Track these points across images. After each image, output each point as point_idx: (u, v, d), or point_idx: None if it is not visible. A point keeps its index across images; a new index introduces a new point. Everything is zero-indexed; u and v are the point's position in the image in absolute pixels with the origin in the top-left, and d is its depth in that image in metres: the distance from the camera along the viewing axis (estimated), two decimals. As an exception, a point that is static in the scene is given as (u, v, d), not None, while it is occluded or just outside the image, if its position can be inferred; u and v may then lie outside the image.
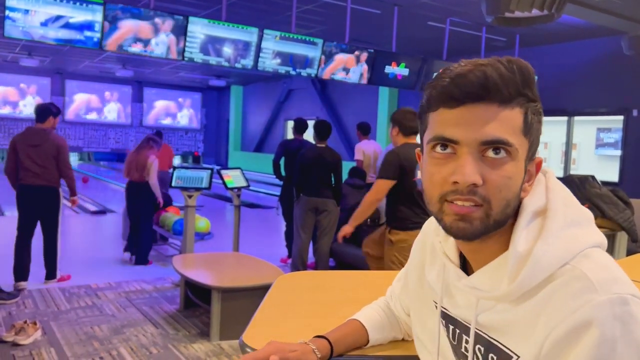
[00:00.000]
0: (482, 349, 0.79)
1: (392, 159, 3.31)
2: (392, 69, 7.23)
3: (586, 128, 8.64)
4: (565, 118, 8.68)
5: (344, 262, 5.05)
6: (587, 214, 0.78)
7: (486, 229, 0.73)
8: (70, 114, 18.09)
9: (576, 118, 8.64)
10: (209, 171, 4.97)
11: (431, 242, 0.93)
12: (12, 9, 4.86)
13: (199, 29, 5.72)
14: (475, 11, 6.43)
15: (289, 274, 1.72)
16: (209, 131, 20.88)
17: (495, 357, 0.76)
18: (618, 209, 3.90)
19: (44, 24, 4.98)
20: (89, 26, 5.15)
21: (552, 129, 8.79)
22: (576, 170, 8.79)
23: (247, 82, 18.18)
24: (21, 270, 4.41)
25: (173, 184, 4.82)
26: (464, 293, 0.82)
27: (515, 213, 0.76)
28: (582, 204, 0.80)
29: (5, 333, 3.33)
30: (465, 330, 0.83)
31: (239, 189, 5.33)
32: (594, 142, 8.57)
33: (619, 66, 7.68)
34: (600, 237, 0.76)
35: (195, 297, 3.88)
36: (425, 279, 0.94)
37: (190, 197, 4.82)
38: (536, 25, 5.16)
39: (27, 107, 17.17)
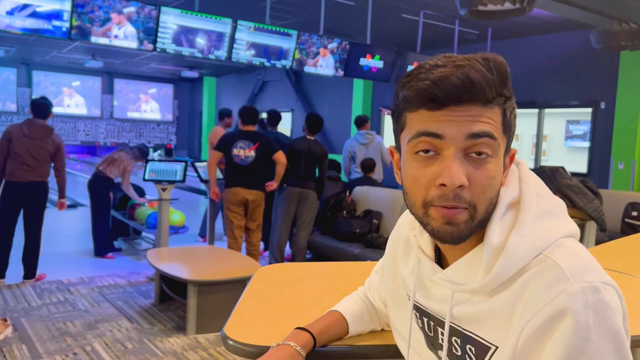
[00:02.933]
0: (459, 340, 0.80)
1: None
2: (366, 61, 7.25)
3: (556, 120, 8.82)
4: (536, 110, 8.84)
5: (320, 255, 5.07)
6: (560, 204, 0.80)
7: (471, 231, 0.73)
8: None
9: (546, 110, 8.81)
10: (183, 164, 4.91)
11: (405, 236, 0.93)
12: (-24, -3, 4.70)
13: (172, 19, 5.63)
14: (448, 4, 6.49)
15: (268, 266, 1.71)
16: (181, 123, 20.61)
17: (473, 349, 0.77)
18: (587, 199, 3.99)
19: (10, 12, 4.83)
20: (57, 15, 5.02)
21: (524, 121, 8.94)
22: (546, 161, 8.98)
23: (220, 73, 17.99)
24: (2, 268, 4.31)
25: (146, 177, 4.74)
26: (439, 286, 0.83)
27: None
28: (554, 194, 0.82)
29: (-26, 330, 3.24)
30: (440, 323, 0.84)
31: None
32: (563, 134, 8.75)
33: (588, 60, 7.84)
34: (573, 227, 0.77)
35: (171, 291, 3.84)
36: (399, 273, 0.95)
37: (164, 190, 4.76)
38: (508, 19, 5.23)
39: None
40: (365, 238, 4.68)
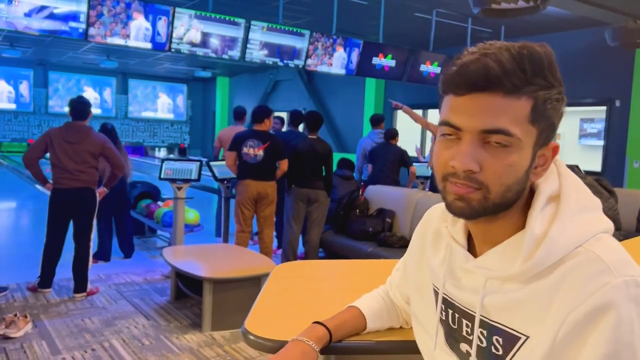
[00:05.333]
0: (485, 332, 0.81)
1: None
2: (379, 60, 7.25)
3: (570, 118, 8.75)
4: (549, 109, 8.77)
5: (333, 253, 5.09)
6: (596, 201, 0.81)
7: (485, 210, 0.75)
8: (55, 106, 17.84)
9: (560, 108, 8.74)
10: (198, 163, 4.96)
11: (434, 229, 0.95)
12: (-5, -1, 4.78)
13: (186, 19, 5.69)
14: (461, 2, 6.47)
15: (285, 264, 1.74)
16: (195, 123, 20.74)
17: (500, 340, 0.78)
18: (602, 198, 3.97)
19: (28, 14, 4.92)
20: (73, 17, 5.09)
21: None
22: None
23: (233, 73, 18.07)
24: (49, 278, 4.20)
25: (162, 175, 4.80)
26: (471, 275, 0.84)
27: (527, 196, 0.79)
28: None
29: (-5, 326, 3.31)
30: (465, 314, 0.85)
31: (228, 180, 5.34)
32: (577, 132, 8.68)
33: (602, 57, 7.78)
34: (609, 223, 0.79)
35: (187, 288, 3.89)
36: (427, 266, 0.96)
37: (179, 189, 4.82)
38: (521, 17, 5.21)
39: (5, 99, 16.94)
40: (378, 237, 4.70)
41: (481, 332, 0.81)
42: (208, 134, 20.36)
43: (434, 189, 6.11)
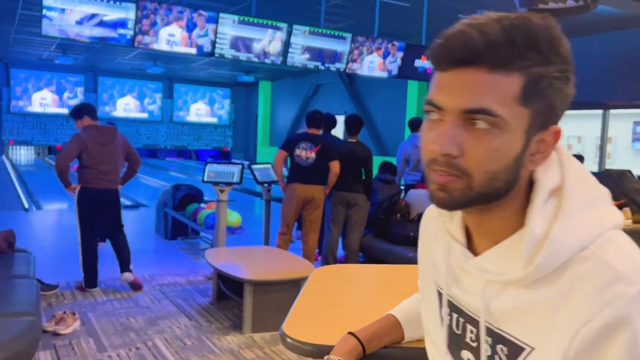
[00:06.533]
0: (490, 339, 0.74)
1: None
2: (421, 63, 7.17)
3: (622, 121, 8.42)
4: (600, 111, 8.47)
5: (373, 257, 5.05)
6: (604, 192, 0.73)
7: (469, 200, 0.69)
8: (102, 110, 18.47)
9: (612, 111, 8.42)
10: (240, 166, 5.03)
11: (435, 226, 0.88)
12: (49, 8, 4.99)
13: (230, 24, 5.78)
14: (506, 2, 6.32)
15: (324, 267, 1.74)
16: (237, 127, 21.07)
17: (505, 349, 0.72)
18: (657, 204, 3.80)
19: (79, 22, 5.10)
20: (122, 24, 5.25)
21: (587, 122, 8.60)
22: (612, 164, 8.58)
23: (275, 77, 18.27)
24: (94, 277, 4.34)
25: (205, 178, 4.89)
26: (471, 276, 0.77)
27: (526, 188, 0.71)
28: (619, 199, 0.79)
29: (46, 323, 3.44)
30: (470, 320, 0.78)
31: (269, 183, 5.38)
32: (630, 136, 8.34)
33: (657, 57, 7.46)
34: (619, 217, 0.71)
35: (228, 289, 3.93)
36: (431, 265, 0.89)
37: (222, 191, 4.89)
38: (571, 17, 5.05)
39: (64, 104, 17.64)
40: (419, 241, 4.63)
41: (486, 340, 0.75)
42: (250, 138, 20.62)
43: None
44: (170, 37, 5.47)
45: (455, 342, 0.82)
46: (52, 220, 8.03)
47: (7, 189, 10.57)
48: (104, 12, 5.15)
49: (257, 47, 6.02)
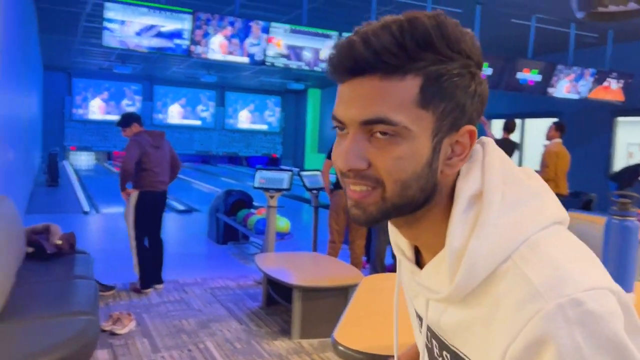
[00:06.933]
0: (449, 355, 0.70)
1: None
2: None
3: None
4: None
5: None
6: (536, 186, 0.67)
7: (384, 213, 0.65)
8: (156, 117, 19.11)
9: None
10: (290, 173, 5.08)
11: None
12: (110, 20, 5.21)
13: (281, 33, 5.87)
14: (562, 7, 6.14)
15: (374, 275, 1.73)
16: (287, 134, 21.31)
17: None
18: None
19: (138, 33, 5.31)
20: (178, 34, 5.43)
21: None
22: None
23: (325, 85, 18.39)
24: (150, 279, 4.50)
25: (256, 184, 4.96)
26: (418, 294, 0.74)
27: (449, 195, 0.67)
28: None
29: (104, 323, 3.57)
30: (434, 334, 0.74)
31: (318, 190, 5.42)
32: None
33: None
34: (553, 212, 0.64)
35: (277, 295, 3.97)
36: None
37: (272, 197, 4.95)
38: (633, 20, 4.85)
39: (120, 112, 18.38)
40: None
41: (445, 356, 0.71)
42: (299, 145, 20.81)
43: None
44: (223, 47, 5.61)
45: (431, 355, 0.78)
46: (109, 223, 8.34)
47: (69, 193, 11.07)
48: (161, 23, 5.34)
49: (307, 55, 6.09)
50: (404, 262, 0.76)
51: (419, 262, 0.74)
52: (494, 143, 0.69)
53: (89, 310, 2.85)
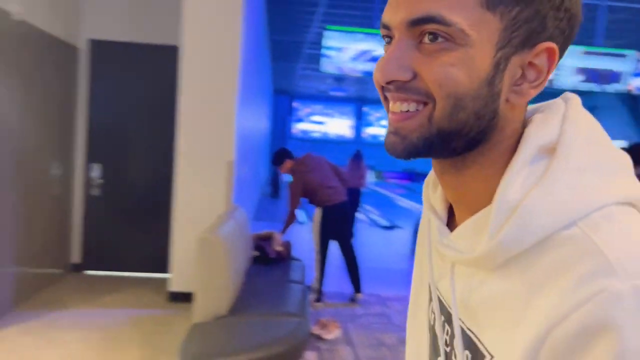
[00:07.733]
0: (461, 341, 0.57)
1: None
2: None
3: None
4: None
5: None
6: (622, 158, 0.51)
7: (427, 142, 0.52)
8: (366, 133, 20.08)
9: None
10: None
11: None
12: (329, 48, 5.68)
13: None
14: None
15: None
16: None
17: (469, 356, 0.55)
18: None
19: (354, 58, 5.68)
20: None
21: None
22: None
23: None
24: (357, 283, 4.79)
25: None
26: (443, 258, 0.62)
27: (514, 143, 0.53)
28: None
29: (313, 327, 3.87)
30: (448, 317, 0.61)
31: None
32: None
33: None
34: (635, 190, 0.49)
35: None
36: (425, 254, 0.71)
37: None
38: None
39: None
40: None
41: (457, 344, 0.58)
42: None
43: None
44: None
45: (434, 345, 0.66)
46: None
47: (285, 204, 12.22)
48: (374, 48, 5.64)
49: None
50: (434, 221, 0.62)
51: (451, 225, 0.62)
52: (580, 101, 0.55)
53: (300, 312, 3.13)
